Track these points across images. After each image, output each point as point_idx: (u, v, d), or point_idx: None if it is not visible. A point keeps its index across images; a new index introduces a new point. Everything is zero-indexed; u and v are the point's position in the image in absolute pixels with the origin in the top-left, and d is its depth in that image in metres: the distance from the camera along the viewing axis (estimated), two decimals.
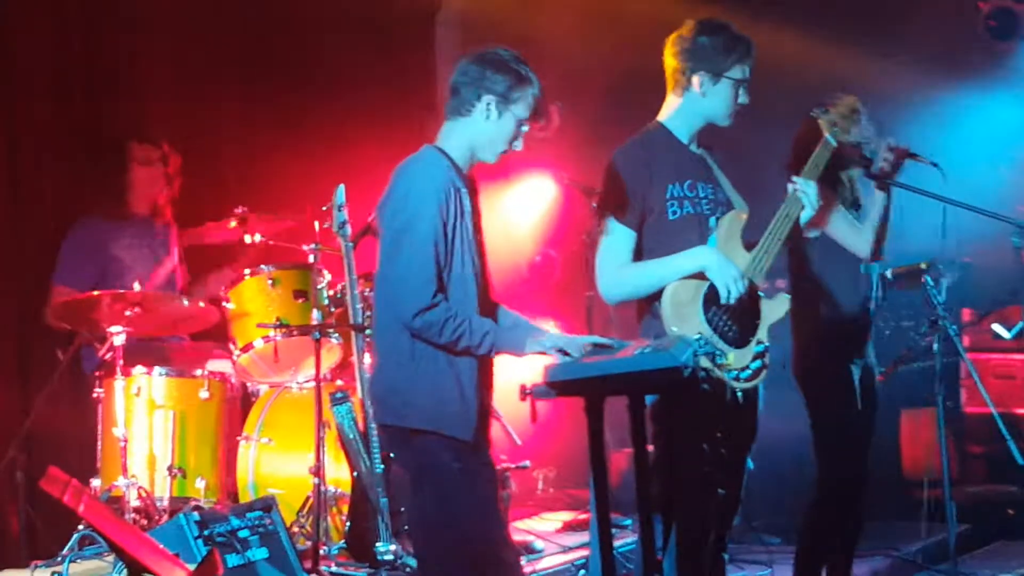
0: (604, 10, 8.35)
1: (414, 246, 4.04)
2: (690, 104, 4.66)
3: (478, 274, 4.19)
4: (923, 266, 5.50)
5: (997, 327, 7.82)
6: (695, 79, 4.62)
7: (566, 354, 4.09)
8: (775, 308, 4.54)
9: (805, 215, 4.63)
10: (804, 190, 4.61)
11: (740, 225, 4.59)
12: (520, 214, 8.14)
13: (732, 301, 4.42)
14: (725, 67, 4.60)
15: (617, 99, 8.03)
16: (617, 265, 4.55)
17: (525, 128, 4.20)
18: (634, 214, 4.55)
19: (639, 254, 4.57)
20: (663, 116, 4.73)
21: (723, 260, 4.45)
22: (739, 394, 4.48)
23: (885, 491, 7.18)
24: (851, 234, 5.29)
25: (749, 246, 4.58)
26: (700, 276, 4.46)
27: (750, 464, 4.76)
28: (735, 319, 4.46)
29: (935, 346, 5.52)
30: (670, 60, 4.68)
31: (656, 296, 4.49)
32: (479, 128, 4.18)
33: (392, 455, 5.28)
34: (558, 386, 4.06)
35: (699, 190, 4.62)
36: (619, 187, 4.58)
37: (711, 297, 4.44)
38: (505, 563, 4.15)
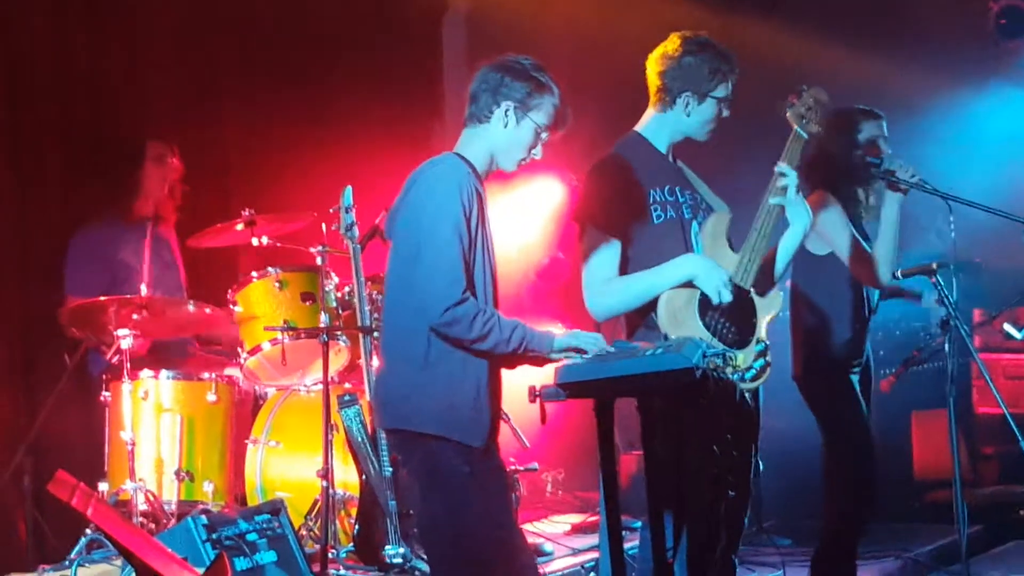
0: (612, 11, 8.32)
1: (439, 247, 3.98)
2: (673, 121, 4.64)
3: (494, 279, 4.17)
4: (933, 266, 5.44)
5: (1008, 327, 7.78)
6: (680, 100, 4.61)
7: (582, 352, 4.07)
8: (770, 305, 4.50)
9: (792, 211, 4.55)
10: (785, 175, 4.55)
11: (724, 226, 4.57)
12: (527, 217, 8.10)
13: (723, 301, 4.38)
14: (711, 87, 4.58)
15: (625, 100, 7.99)
16: (604, 279, 4.49)
17: (545, 136, 4.19)
18: (618, 224, 4.51)
19: (624, 262, 4.51)
20: (641, 126, 4.70)
21: (709, 265, 4.42)
22: (747, 395, 4.45)
23: (896, 493, 7.17)
24: (858, 258, 5.28)
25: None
26: (691, 285, 4.42)
27: (761, 465, 4.74)
28: (732, 320, 4.42)
29: (946, 347, 5.47)
30: (654, 78, 4.65)
31: (648, 308, 4.45)
32: (497, 135, 4.16)
33: (400, 460, 5.27)
34: (568, 387, 4.03)
35: (679, 194, 4.59)
36: (602, 199, 4.54)
37: (705, 301, 4.40)
38: (520, 567, 4.12)
